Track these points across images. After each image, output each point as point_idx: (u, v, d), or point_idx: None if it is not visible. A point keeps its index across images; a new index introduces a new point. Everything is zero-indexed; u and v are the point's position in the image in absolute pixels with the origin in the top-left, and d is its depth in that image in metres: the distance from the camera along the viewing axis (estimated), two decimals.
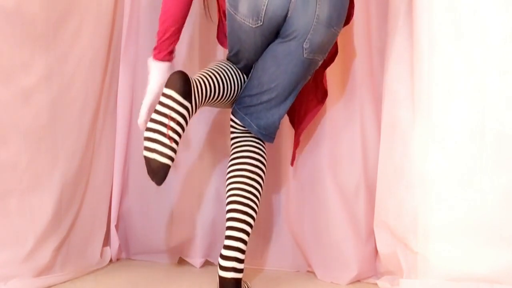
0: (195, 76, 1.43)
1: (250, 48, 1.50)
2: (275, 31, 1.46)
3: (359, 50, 1.76)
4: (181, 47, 1.90)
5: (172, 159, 1.31)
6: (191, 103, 1.36)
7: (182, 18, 1.49)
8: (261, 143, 1.58)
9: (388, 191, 1.62)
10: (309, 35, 1.42)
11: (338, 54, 1.64)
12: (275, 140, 1.59)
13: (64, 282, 1.61)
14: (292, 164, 1.78)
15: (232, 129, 1.60)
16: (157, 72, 1.49)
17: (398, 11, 1.61)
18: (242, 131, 1.58)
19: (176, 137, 1.32)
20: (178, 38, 1.52)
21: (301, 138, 1.75)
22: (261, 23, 1.42)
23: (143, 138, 1.32)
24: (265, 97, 1.51)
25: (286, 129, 1.83)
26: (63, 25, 1.64)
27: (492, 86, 1.35)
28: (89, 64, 1.75)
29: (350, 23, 1.62)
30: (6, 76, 1.46)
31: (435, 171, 1.41)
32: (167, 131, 1.30)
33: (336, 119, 1.78)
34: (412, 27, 1.50)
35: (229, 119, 1.60)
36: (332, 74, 1.74)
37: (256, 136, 1.56)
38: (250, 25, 1.43)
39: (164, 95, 1.33)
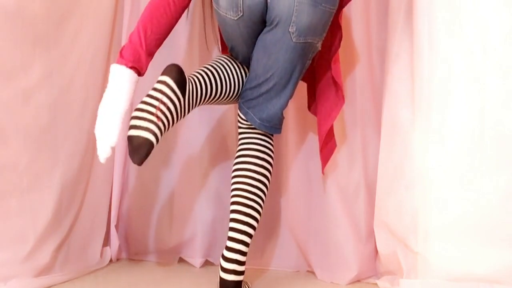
0: (190, 74, 1.40)
1: (239, 41, 1.47)
2: (260, 20, 1.41)
3: (359, 50, 1.76)
4: (180, 47, 1.90)
5: (156, 136, 1.25)
6: (184, 96, 1.32)
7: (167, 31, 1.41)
8: (268, 138, 1.53)
9: (388, 191, 1.62)
10: (293, 18, 1.35)
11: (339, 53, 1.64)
12: (274, 141, 1.57)
13: (64, 282, 1.61)
14: (323, 171, 1.69)
15: (239, 124, 1.56)
16: (123, 84, 1.31)
17: (398, 11, 1.61)
18: (248, 126, 1.53)
19: (164, 119, 1.28)
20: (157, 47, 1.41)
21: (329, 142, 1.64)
22: (242, 14, 1.38)
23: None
24: (263, 88, 1.46)
25: (287, 128, 1.82)
26: (64, 25, 1.64)
27: (492, 86, 1.35)
28: (89, 64, 1.75)
29: (349, 21, 1.60)
30: (6, 76, 1.46)
31: (435, 171, 1.41)
32: (156, 112, 1.26)
33: (336, 119, 1.78)
34: (412, 27, 1.50)
35: (230, 118, 1.60)
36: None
37: (261, 130, 1.52)
38: (232, 18, 1.40)
39: (159, 81, 1.30)
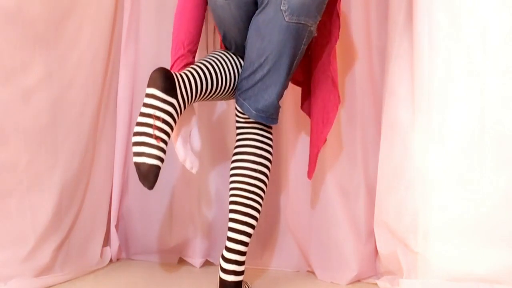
0: (183, 70, 1.38)
1: (231, 25, 1.45)
2: (251, 1, 1.40)
3: (359, 50, 1.76)
4: None
5: (161, 159, 1.27)
6: (176, 98, 1.30)
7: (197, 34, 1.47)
8: (266, 133, 1.50)
9: (388, 191, 1.62)
10: None
11: (338, 54, 1.63)
12: (274, 140, 1.56)
13: (64, 282, 1.61)
14: (310, 177, 1.60)
15: (236, 119, 1.52)
16: None
17: (398, 11, 1.61)
18: (246, 120, 1.49)
19: (163, 136, 1.27)
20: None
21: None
22: None
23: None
24: (258, 76, 1.43)
25: (286, 126, 1.82)
26: (64, 25, 1.64)
27: (492, 86, 1.35)
28: (89, 64, 1.76)
29: (349, 21, 1.59)
30: (6, 76, 1.46)
31: (435, 171, 1.41)
32: (153, 131, 1.25)
33: (336, 119, 1.77)
34: (412, 27, 1.50)
35: (229, 118, 1.59)
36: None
37: (258, 122, 1.48)
38: None
39: (147, 95, 1.28)
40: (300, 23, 1.37)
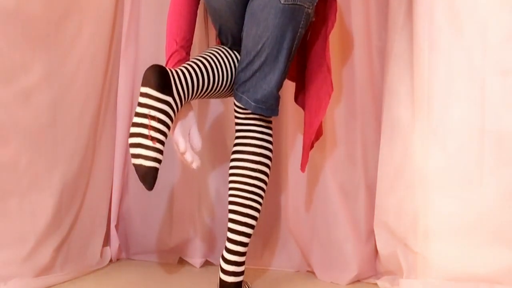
0: (179, 67, 1.35)
1: (227, 16, 1.42)
2: None
3: (359, 50, 1.76)
4: None
5: (158, 160, 1.24)
6: (172, 96, 1.27)
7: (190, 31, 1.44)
8: (266, 129, 1.46)
9: (388, 191, 1.62)
10: None
11: (338, 53, 1.63)
12: (274, 139, 1.54)
13: (64, 282, 1.61)
14: (303, 169, 1.55)
15: (235, 115, 1.49)
16: None
17: (398, 11, 1.61)
18: (245, 116, 1.46)
19: (159, 136, 1.25)
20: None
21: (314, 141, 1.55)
22: None
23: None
24: (256, 65, 1.39)
25: (286, 125, 1.82)
26: (64, 25, 1.64)
27: (492, 86, 1.35)
28: (90, 64, 1.75)
29: (349, 21, 1.57)
30: (6, 76, 1.46)
31: (435, 171, 1.42)
32: (149, 132, 1.23)
33: (336, 119, 1.78)
34: (412, 27, 1.50)
35: (229, 118, 1.58)
36: (332, 73, 1.73)
37: (258, 117, 1.45)
38: None
39: (141, 94, 1.24)
40: (296, 4, 1.34)
